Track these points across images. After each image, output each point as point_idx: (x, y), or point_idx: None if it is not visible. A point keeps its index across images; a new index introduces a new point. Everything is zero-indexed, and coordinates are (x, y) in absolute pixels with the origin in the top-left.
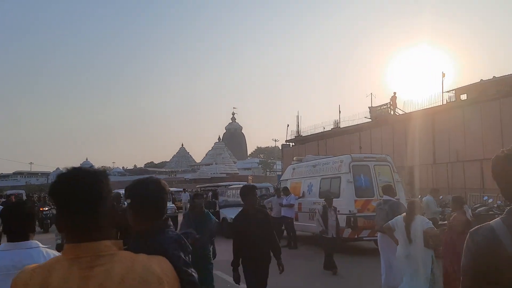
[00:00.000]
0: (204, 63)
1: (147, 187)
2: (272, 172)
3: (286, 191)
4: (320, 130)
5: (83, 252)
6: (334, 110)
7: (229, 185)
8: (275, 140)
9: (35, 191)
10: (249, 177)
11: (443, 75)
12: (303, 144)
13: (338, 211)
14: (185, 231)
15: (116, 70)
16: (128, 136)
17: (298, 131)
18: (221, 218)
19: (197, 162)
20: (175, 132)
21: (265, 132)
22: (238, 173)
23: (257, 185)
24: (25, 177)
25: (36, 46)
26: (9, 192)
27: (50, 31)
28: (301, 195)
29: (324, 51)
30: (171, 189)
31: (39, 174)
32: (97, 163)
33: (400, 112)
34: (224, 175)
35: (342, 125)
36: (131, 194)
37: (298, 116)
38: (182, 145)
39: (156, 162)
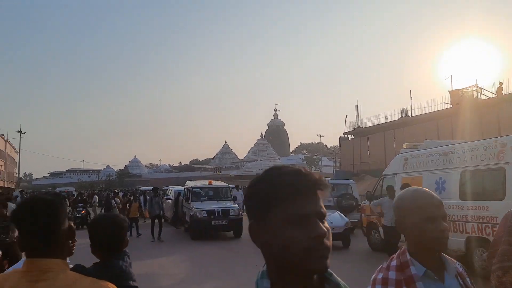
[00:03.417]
0: (246, 59)
1: (101, 222)
2: (317, 169)
3: None
4: (383, 120)
5: (33, 267)
6: (397, 99)
7: None
8: (320, 136)
9: (86, 188)
10: None
11: None
12: (364, 136)
13: None
14: None
15: (163, 69)
16: (174, 134)
17: (357, 123)
18: None
19: (240, 158)
20: (218, 130)
21: (308, 128)
22: None
23: (336, 181)
24: (77, 174)
25: (77, 44)
26: (59, 189)
27: (90, 28)
28: None
29: (385, 38)
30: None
31: (91, 171)
32: (145, 160)
33: (490, 96)
34: None
35: (414, 113)
36: (90, 229)
37: (357, 106)
38: (226, 142)
39: (200, 159)
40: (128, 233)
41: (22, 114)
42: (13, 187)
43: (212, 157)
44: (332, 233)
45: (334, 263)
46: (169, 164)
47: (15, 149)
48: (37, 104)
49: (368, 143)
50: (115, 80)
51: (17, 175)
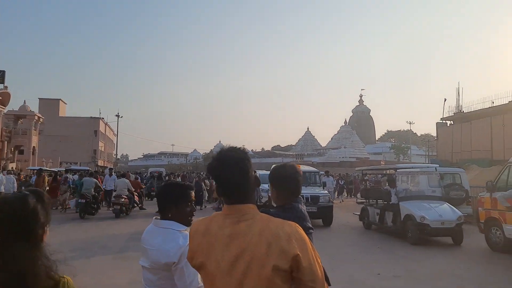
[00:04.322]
0: (330, 42)
1: (285, 170)
2: (406, 158)
3: None
4: (489, 104)
5: (234, 211)
6: (505, 80)
7: (401, 168)
8: (410, 123)
9: (175, 169)
10: (381, 162)
11: None
12: (467, 122)
13: None
14: None
15: (247, 56)
16: (257, 120)
17: (458, 107)
18: (402, 216)
19: (322, 146)
20: (301, 116)
21: (396, 114)
22: (369, 158)
23: (444, 169)
24: (168, 157)
25: (171, 31)
26: (151, 169)
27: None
28: None
29: (492, 7)
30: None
31: (179, 154)
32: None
33: None
34: (354, 160)
35: None
36: (274, 177)
37: (458, 88)
38: (308, 129)
39: (282, 145)
40: None
41: (119, 99)
42: (111, 167)
43: (294, 143)
44: (442, 228)
45: (446, 263)
46: (252, 150)
47: (113, 131)
48: (133, 90)
49: (470, 130)
50: (202, 68)
51: (115, 156)
